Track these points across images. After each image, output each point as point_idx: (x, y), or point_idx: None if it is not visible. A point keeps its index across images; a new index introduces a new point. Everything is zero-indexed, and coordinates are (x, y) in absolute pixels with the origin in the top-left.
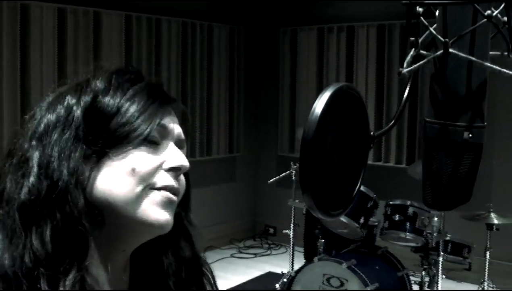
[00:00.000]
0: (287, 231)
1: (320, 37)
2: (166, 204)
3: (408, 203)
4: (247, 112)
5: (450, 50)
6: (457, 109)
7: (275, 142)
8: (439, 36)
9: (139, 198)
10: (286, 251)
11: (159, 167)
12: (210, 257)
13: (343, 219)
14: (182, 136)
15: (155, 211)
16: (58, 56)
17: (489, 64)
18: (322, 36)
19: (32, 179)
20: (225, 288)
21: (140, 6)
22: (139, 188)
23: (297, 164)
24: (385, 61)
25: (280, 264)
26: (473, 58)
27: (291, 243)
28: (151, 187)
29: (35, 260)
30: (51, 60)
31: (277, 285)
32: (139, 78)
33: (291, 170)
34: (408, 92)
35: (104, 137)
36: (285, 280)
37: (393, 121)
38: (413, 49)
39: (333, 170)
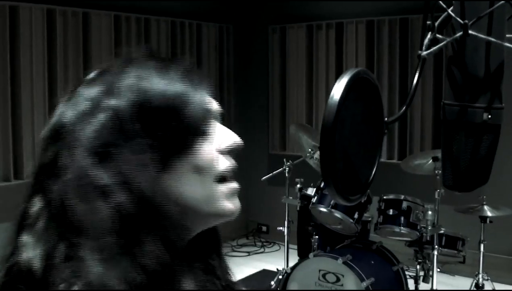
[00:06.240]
0: (281, 228)
1: (309, 34)
2: (234, 193)
3: (402, 197)
4: (237, 111)
5: (470, 31)
6: (476, 90)
7: (266, 141)
8: (458, 18)
9: (210, 195)
10: (279, 249)
11: (217, 153)
12: None
13: (338, 214)
14: (219, 108)
15: (227, 203)
16: (48, 57)
17: (509, 45)
18: (311, 33)
19: (117, 198)
20: None
21: (129, 6)
22: (208, 185)
23: (290, 161)
24: (375, 57)
25: (273, 261)
26: (493, 39)
27: (286, 240)
28: (217, 179)
29: (150, 276)
30: (41, 61)
31: (272, 283)
32: (159, 58)
33: (284, 167)
34: (418, 77)
35: (163, 139)
36: (280, 276)
37: (405, 107)
38: (430, 32)
39: (351, 156)
